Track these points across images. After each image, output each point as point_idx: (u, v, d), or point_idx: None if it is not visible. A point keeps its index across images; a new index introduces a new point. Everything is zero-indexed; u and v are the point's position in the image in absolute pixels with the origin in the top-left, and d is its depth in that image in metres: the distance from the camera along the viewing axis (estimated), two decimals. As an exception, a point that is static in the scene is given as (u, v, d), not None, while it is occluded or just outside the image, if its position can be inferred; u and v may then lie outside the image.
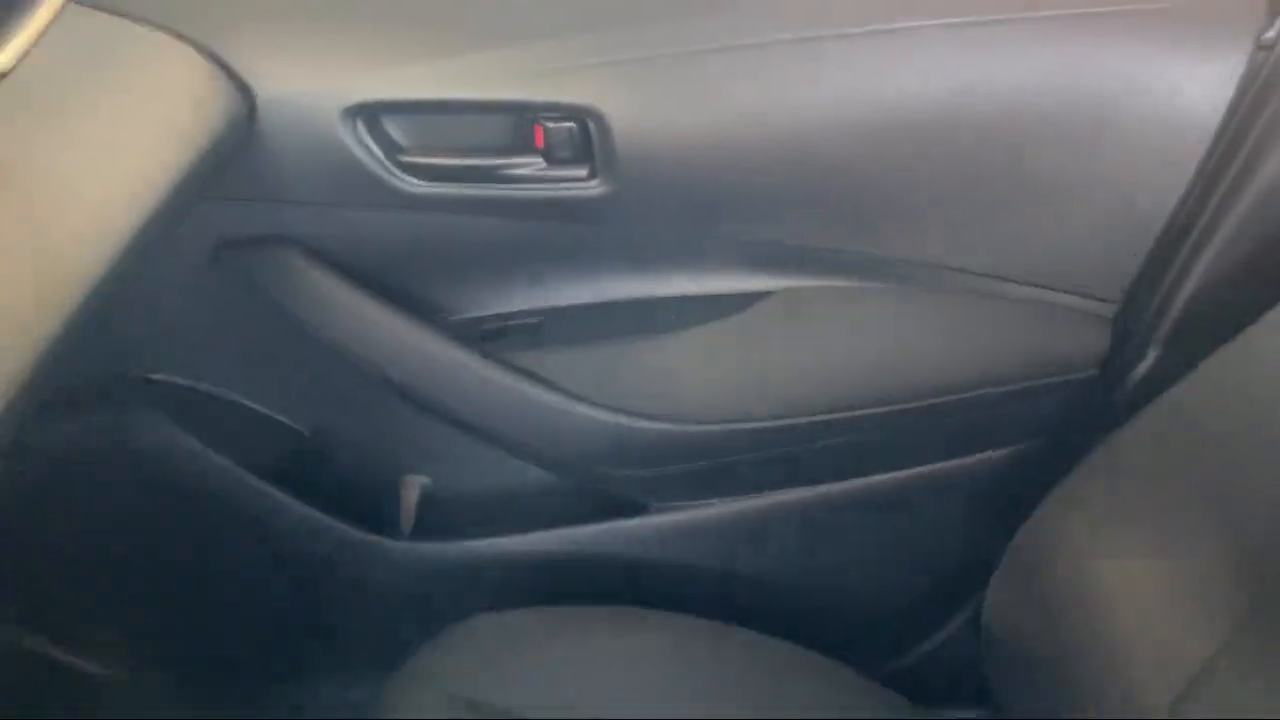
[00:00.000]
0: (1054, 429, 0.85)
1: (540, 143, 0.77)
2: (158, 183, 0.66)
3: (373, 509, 0.95)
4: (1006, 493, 0.86)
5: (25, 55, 0.64)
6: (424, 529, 0.94)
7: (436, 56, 0.76)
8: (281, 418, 0.94)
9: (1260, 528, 0.60)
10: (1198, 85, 0.73)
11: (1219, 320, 0.70)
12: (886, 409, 0.83)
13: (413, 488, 0.97)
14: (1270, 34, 0.73)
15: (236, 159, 0.75)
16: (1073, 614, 0.72)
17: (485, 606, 0.84)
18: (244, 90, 0.74)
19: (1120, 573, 0.69)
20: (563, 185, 0.79)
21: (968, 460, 0.88)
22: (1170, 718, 0.60)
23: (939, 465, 0.88)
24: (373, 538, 0.93)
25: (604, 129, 0.76)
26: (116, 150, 0.66)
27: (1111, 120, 0.75)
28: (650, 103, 0.76)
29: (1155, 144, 0.75)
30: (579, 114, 0.76)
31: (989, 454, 0.88)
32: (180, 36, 0.72)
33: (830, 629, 0.89)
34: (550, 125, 0.76)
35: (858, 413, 0.83)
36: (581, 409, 0.83)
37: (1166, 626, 0.65)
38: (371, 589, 0.96)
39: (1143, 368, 0.82)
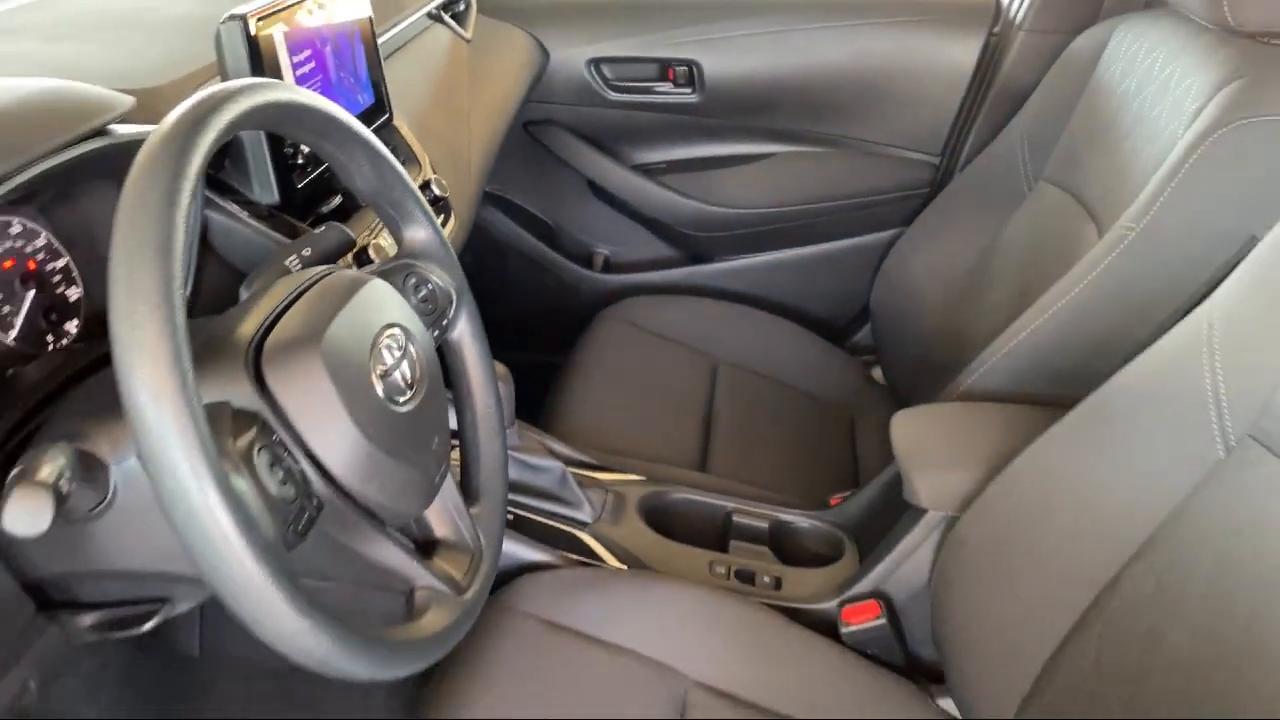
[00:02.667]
0: (908, 220, 1.69)
1: (671, 76, 1.66)
2: (519, 94, 1.57)
3: (584, 259, 1.86)
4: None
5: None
6: (606, 270, 1.85)
7: (625, 36, 1.66)
8: (541, 215, 1.86)
9: (983, 223, 1.43)
10: (962, 51, 1.57)
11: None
12: (828, 204, 1.69)
13: (600, 254, 1.87)
14: (996, 29, 1.56)
15: (538, 84, 1.66)
16: (901, 285, 1.56)
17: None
18: (546, 53, 1.65)
19: (926, 261, 1.53)
20: (680, 96, 1.68)
21: (869, 237, 1.73)
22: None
23: (857, 239, 1.74)
24: (585, 272, 1.84)
25: (700, 70, 1.64)
26: (504, 78, 1.57)
27: (923, 69, 1.59)
28: (722, 58, 1.64)
29: (944, 79, 1.59)
30: (689, 63, 1.65)
31: (879, 234, 1.73)
32: (520, 28, 1.64)
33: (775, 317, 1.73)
34: (676, 68, 1.65)
35: (814, 205, 1.70)
36: (685, 201, 1.72)
37: (942, 281, 1.48)
38: (582, 298, 1.86)
39: (951, 184, 1.65)
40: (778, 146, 1.73)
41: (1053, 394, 1.09)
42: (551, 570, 1.03)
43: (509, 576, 1.02)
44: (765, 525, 1.18)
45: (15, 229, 0.76)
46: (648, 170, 1.76)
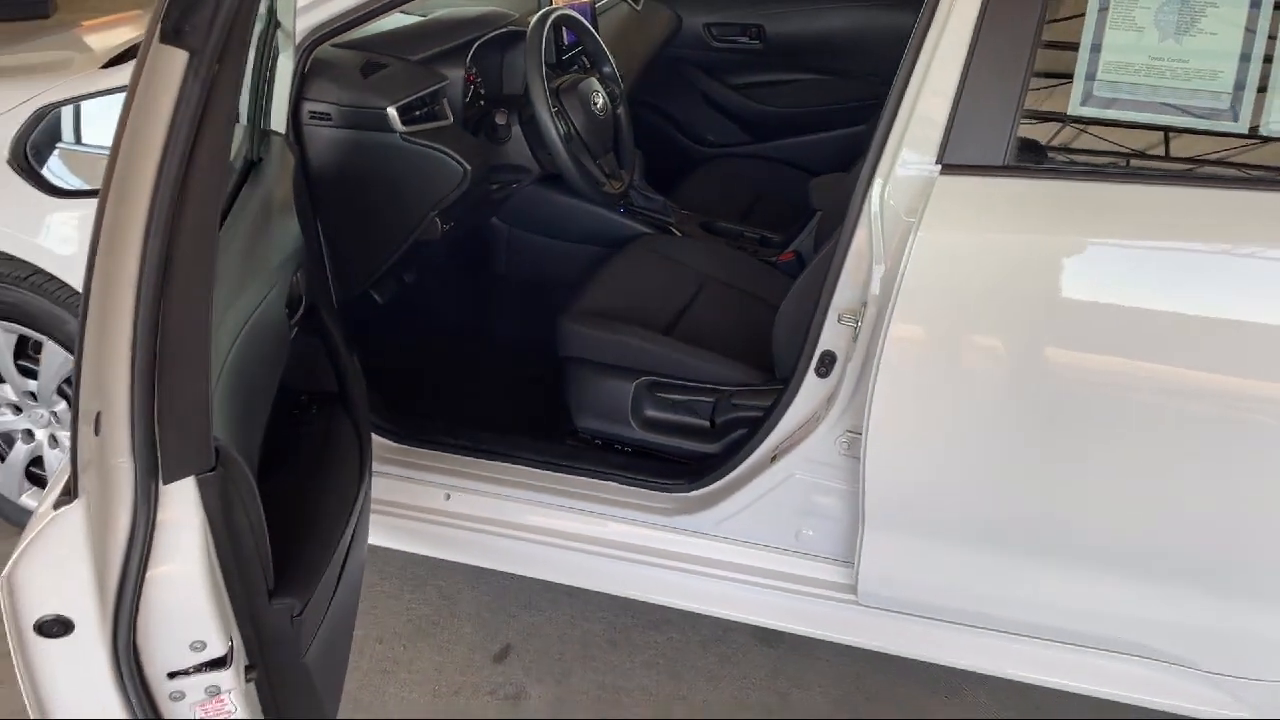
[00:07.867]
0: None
1: (748, 34, 2.86)
2: (661, 43, 2.80)
3: (697, 140, 3.06)
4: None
5: (639, 8, 2.81)
6: (709, 145, 3.05)
7: (724, 9, 2.86)
8: (674, 114, 3.08)
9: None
10: (908, 20, 2.68)
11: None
12: (830, 107, 2.84)
13: (708, 138, 3.07)
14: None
15: (674, 37, 2.89)
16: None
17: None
18: (679, 19, 2.88)
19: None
20: (752, 45, 2.88)
21: (850, 129, 2.85)
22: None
23: (843, 130, 2.86)
24: (697, 146, 3.04)
25: (764, 31, 2.84)
26: (653, 33, 2.79)
27: (886, 31, 2.71)
28: (775, 24, 2.82)
29: (899, 36, 2.70)
30: (758, 26, 2.85)
31: (856, 128, 2.84)
32: (665, 4, 2.87)
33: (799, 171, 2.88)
34: (750, 29, 2.85)
35: (824, 107, 2.85)
36: (754, 105, 2.92)
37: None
38: (694, 161, 3.05)
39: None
40: (805, 75, 2.89)
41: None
42: (651, 235, 2.25)
43: (634, 237, 2.25)
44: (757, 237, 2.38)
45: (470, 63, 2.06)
46: (733, 87, 2.96)
